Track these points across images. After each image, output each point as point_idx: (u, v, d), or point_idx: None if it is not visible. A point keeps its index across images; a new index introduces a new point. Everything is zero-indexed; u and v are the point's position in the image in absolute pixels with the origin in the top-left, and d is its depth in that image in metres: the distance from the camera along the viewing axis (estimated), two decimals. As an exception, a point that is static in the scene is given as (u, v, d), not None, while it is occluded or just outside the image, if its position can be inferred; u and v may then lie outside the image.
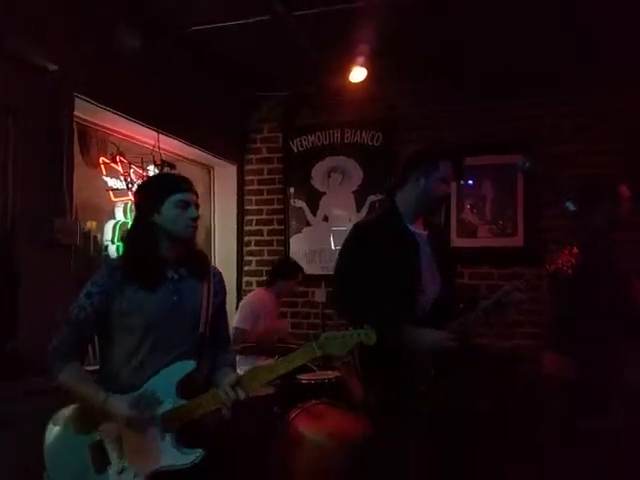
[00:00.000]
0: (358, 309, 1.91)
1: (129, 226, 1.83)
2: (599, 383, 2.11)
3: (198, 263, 1.71)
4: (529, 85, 3.60)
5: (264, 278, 3.99)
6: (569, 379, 2.15)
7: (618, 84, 3.39)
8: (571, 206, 1.74)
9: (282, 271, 3.52)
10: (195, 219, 1.63)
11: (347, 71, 3.57)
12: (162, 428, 1.54)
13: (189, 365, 1.59)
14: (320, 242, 4.16)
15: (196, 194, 1.68)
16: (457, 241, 3.81)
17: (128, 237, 1.73)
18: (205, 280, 1.70)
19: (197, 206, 1.66)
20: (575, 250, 1.86)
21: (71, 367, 1.58)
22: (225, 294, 1.80)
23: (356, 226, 2.07)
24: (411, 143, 3.93)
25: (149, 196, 1.67)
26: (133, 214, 1.84)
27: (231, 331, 3.28)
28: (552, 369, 2.31)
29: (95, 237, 3.10)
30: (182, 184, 1.66)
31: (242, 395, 1.53)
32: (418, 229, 2.05)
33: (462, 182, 3.80)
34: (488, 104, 3.76)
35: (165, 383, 1.57)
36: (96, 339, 1.70)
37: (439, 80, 3.76)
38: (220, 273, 1.81)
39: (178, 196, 1.61)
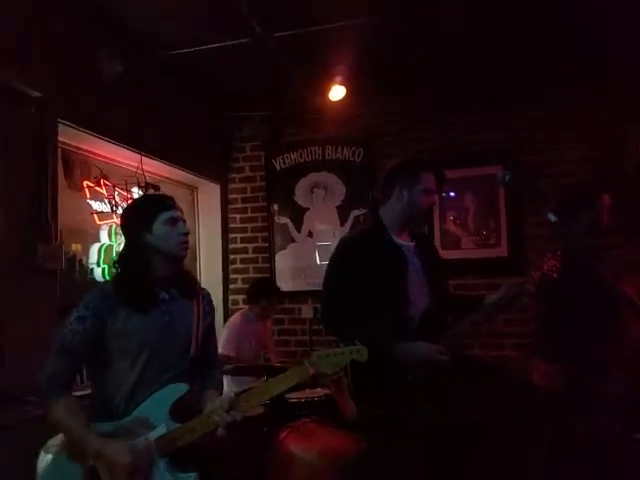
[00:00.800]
0: (347, 325, 1.90)
1: (120, 249, 1.84)
2: (586, 387, 2.15)
3: (187, 283, 1.71)
4: (508, 98, 3.69)
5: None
6: (557, 386, 2.19)
7: (596, 95, 3.48)
8: (552, 217, 1.79)
9: (251, 294, 3.54)
10: (186, 234, 1.65)
11: (326, 89, 3.64)
12: (156, 453, 1.52)
13: (182, 388, 1.58)
14: (305, 258, 4.19)
15: (181, 210, 1.70)
16: (442, 253, 3.80)
17: (120, 259, 1.71)
18: (195, 301, 1.70)
19: (185, 222, 1.69)
20: (559, 254, 1.88)
21: (66, 402, 1.54)
22: (214, 314, 1.80)
23: (341, 241, 2.08)
24: (391, 158, 3.98)
25: (138, 217, 1.68)
26: (122, 237, 1.85)
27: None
28: (540, 378, 2.34)
29: (80, 260, 3.08)
30: (167, 202, 1.69)
31: (238, 417, 1.52)
32: (405, 241, 2.05)
33: (444, 194, 3.86)
34: (467, 117, 3.84)
35: (157, 407, 1.56)
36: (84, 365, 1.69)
37: (418, 96, 3.85)
38: (208, 293, 1.82)
39: (166, 214, 1.63)
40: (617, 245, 3.14)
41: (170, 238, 1.62)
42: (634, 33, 2.98)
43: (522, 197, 3.65)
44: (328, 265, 2.06)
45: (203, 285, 4.28)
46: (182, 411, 1.57)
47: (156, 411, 1.55)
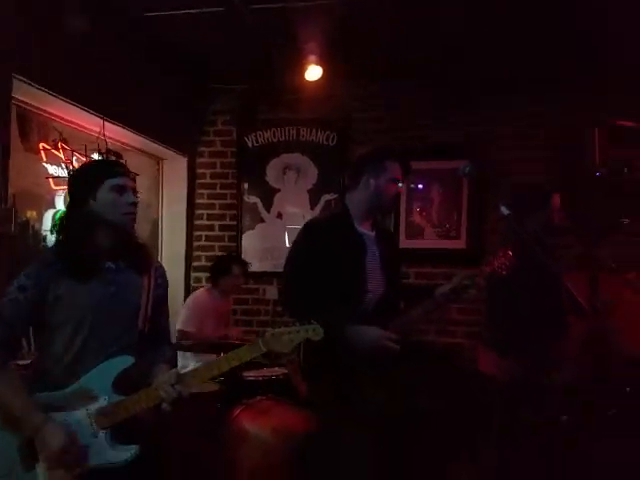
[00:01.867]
0: (304, 306, 1.94)
1: (62, 214, 1.76)
2: (537, 381, 2.23)
3: (138, 255, 1.65)
4: (478, 93, 3.73)
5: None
6: (507, 379, 2.26)
7: (561, 97, 3.56)
8: (505, 210, 1.84)
9: (219, 268, 3.50)
10: (133, 204, 1.58)
11: (303, 69, 3.58)
12: (96, 425, 1.49)
13: (127, 360, 1.55)
14: (273, 239, 4.14)
15: (132, 179, 1.63)
16: (405, 242, 3.91)
17: (61, 225, 1.64)
18: (145, 273, 1.65)
19: (135, 191, 1.61)
20: (510, 253, 1.94)
21: (5, 373, 1.50)
22: (167, 288, 1.75)
23: (306, 225, 2.12)
24: (364, 145, 3.98)
25: (83, 182, 1.61)
26: (66, 202, 1.77)
27: (175, 333, 3.28)
28: (486, 367, 2.42)
29: (34, 226, 2.95)
30: (117, 168, 1.61)
31: (184, 392, 1.50)
32: (366, 230, 2.10)
33: (412, 185, 3.91)
34: (439, 112, 3.87)
35: (101, 379, 1.52)
36: (31, 333, 1.62)
37: (392, 84, 3.84)
38: (162, 266, 1.77)
39: (114, 180, 1.56)
40: (572, 245, 3.25)
41: (115, 207, 1.56)
42: (604, 36, 3.05)
43: (483, 191, 3.72)
44: (290, 247, 2.12)
45: (164, 260, 4.26)
46: (127, 384, 1.53)
47: (99, 383, 1.52)
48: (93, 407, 1.50)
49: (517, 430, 2.17)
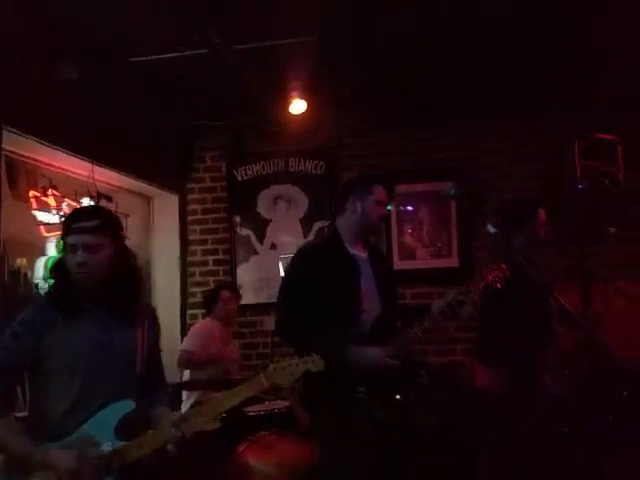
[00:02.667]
0: (301, 333, 1.95)
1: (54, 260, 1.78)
2: (524, 391, 2.22)
3: (128, 301, 1.65)
4: (462, 115, 3.81)
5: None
6: (499, 390, 2.26)
7: (542, 114, 3.66)
8: (492, 228, 1.87)
9: (210, 296, 3.59)
10: (80, 264, 1.54)
11: (287, 103, 3.66)
12: (102, 471, 1.47)
13: (127, 405, 1.54)
14: (268, 270, 4.14)
15: (91, 233, 1.56)
16: (399, 264, 3.94)
17: (51, 271, 1.68)
18: (138, 317, 1.65)
19: (93, 248, 1.55)
20: (503, 266, 1.97)
21: (5, 421, 1.50)
22: (159, 331, 1.76)
23: (298, 251, 2.15)
24: (352, 171, 4.06)
25: (62, 230, 1.64)
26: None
27: (178, 354, 3.27)
28: (482, 381, 2.42)
29: (25, 274, 2.93)
30: (73, 225, 1.58)
31: (188, 432, 1.48)
32: (359, 251, 2.13)
33: (402, 208, 3.97)
34: (423, 134, 3.96)
35: (103, 425, 1.51)
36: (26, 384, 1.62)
37: (377, 111, 3.92)
38: (154, 309, 1.81)
39: (68, 239, 1.58)
40: (555, 255, 3.29)
41: (69, 265, 1.58)
42: (586, 52, 3.15)
43: (471, 210, 3.78)
44: (284, 275, 2.14)
45: (159, 299, 4.23)
46: (128, 429, 1.52)
47: (101, 429, 1.51)
48: (98, 453, 1.48)
49: (512, 440, 2.16)
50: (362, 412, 1.84)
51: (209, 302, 3.57)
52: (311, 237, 4.12)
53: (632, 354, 2.65)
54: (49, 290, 1.66)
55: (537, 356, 2.33)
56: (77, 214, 1.68)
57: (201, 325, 3.59)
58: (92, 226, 1.56)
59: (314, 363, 1.54)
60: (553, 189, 3.51)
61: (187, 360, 3.24)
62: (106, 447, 1.49)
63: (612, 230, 3.10)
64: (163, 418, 1.55)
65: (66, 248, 1.59)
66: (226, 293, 3.53)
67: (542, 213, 2.56)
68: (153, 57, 3.13)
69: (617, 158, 3.13)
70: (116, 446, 1.49)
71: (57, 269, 1.63)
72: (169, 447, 1.50)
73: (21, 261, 2.92)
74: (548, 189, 3.57)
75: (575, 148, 3.15)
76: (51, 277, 1.66)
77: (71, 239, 1.56)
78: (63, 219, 1.82)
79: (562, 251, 2.94)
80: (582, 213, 3.06)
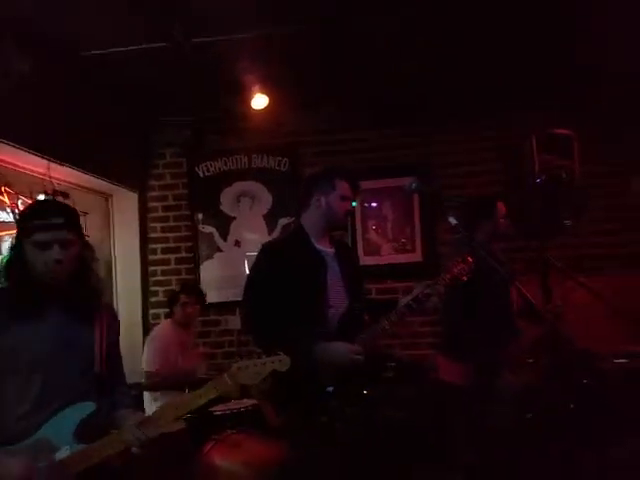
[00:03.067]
0: (268, 331, 1.94)
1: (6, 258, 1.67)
2: (489, 385, 2.30)
3: (88, 298, 1.61)
4: (422, 112, 3.89)
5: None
6: (465, 384, 2.32)
7: (502, 110, 3.77)
8: (453, 220, 1.92)
9: (170, 299, 3.53)
10: (58, 261, 1.50)
11: (249, 98, 3.63)
12: (60, 476, 1.42)
13: (87, 407, 1.50)
14: (233, 268, 4.11)
15: (69, 227, 1.53)
16: (364, 259, 3.99)
17: (5, 266, 1.59)
18: (97, 316, 1.62)
19: (69, 242, 1.52)
20: (469, 259, 2.01)
21: None
22: (118, 330, 1.73)
23: (263, 247, 2.12)
24: (315, 167, 4.06)
25: (18, 229, 1.57)
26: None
27: (143, 374, 3.19)
28: (447, 375, 2.49)
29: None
30: (43, 220, 1.51)
31: (152, 434, 1.46)
32: (325, 247, 2.12)
33: (366, 204, 4.01)
34: (386, 130, 4.01)
35: (61, 428, 1.47)
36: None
37: (341, 107, 3.95)
38: (113, 308, 1.77)
39: (36, 236, 1.50)
40: (520, 249, 3.41)
41: (37, 263, 1.51)
42: (540, 53, 3.27)
43: (433, 205, 3.88)
44: (249, 272, 2.11)
45: (120, 298, 4.12)
46: (89, 431, 1.48)
47: (59, 432, 1.46)
48: (55, 458, 1.44)
49: (481, 432, 2.22)
50: (330, 411, 1.83)
51: (170, 304, 3.51)
52: (276, 234, 4.11)
53: (592, 346, 2.74)
54: (3, 290, 1.56)
55: (501, 350, 2.39)
56: (42, 210, 1.59)
57: (159, 331, 3.47)
58: (63, 222, 1.52)
59: (281, 362, 1.53)
60: (513, 184, 3.62)
61: (152, 380, 3.16)
62: (64, 451, 1.44)
63: (569, 223, 3.22)
64: (126, 420, 1.52)
65: (28, 245, 1.50)
66: (184, 297, 3.46)
67: (501, 207, 2.65)
68: (109, 50, 3.03)
69: (573, 152, 3.20)
70: (75, 449, 1.45)
71: (14, 268, 1.55)
72: (133, 449, 1.47)
73: (-26, 261, 2.79)
74: (508, 184, 3.68)
75: (533, 143, 3.23)
76: (7, 277, 1.57)
77: (41, 236, 1.49)
78: (19, 216, 1.69)
79: (523, 244, 3.05)
80: (540, 207, 3.15)
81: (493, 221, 2.61)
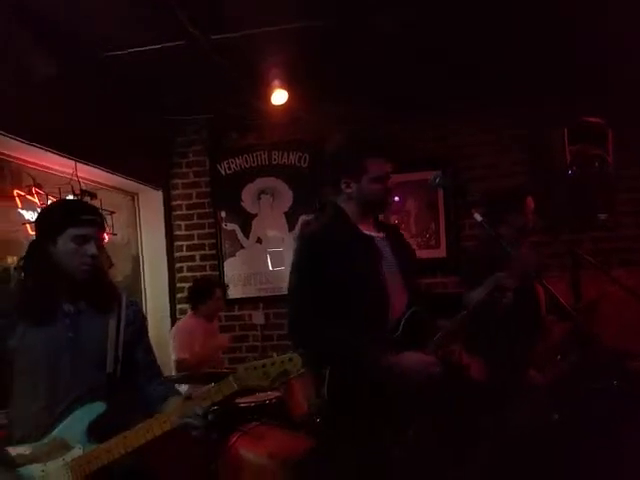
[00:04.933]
0: (319, 335, 1.64)
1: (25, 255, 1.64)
2: (507, 382, 2.18)
3: (101, 296, 1.59)
4: (446, 103, 3.80)
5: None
6: (480, 379, 2.24)
7: (526, 100, 3.65)
8: (478, 217, 1.81)
9: (200, 293, 3.48)
10: (92, 256, 1.51)
11: (269, 94, 3.64)
12: (72, 475, 1.45)
13: (97, 408, 1.50)
14: (255, 264, 4.15)
15: (100, 227, 1.56)
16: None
17: (22, 268, 1.59)
18: (112, 313, 1.59)
19: (100, 241, 1.56)
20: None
21: None
22: (142, 324, 1.69)
23: (302, 236, 1.90)
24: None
25: (47, 225, 1.56)
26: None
27: (173, 365, 3.25)
28: (477, 376, 2.39)
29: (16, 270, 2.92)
30: (82, 216, 1.53)
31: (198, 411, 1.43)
32: (371, 232, 1.76)
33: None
34: (409, 125, 3.95)
35: (74, 428, 1.48)
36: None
37: (360, 101, 3.91)
38: (136, 303, 1.71)
39: (76, 230, 1.50)
40: (543, 243, 3.30)
41: (73, 257, 1.51)
42: (572, 38, 3.14)
43: (458, 199, 3.81)
44: (292, 265, 1.76)
45: (148, 295, 4.21)
46: (101, 431, 1.48)
47: (73, 431, 1.48)
48: (69, 457, 1.46)
49: (504, 433, 2.16)
50: (405, 442, 1.58)
51: (198, 298, 3.46)
52: (297, 231, 4.12)
53: (625, 344, 2.62)
54: (18, 289, 1.55)
55: (527, 348, 2.29)
56: (79, 206, 1.64)
57: (182, 324, 3.46)
58: (98, 220, 1.57)
59: (291, 362, 1.41)
60: (540, 176, 3.45)
61: (186, 368, 3.17)
62: (77, 450, 1.46)
63: (603, 216, 3.07)
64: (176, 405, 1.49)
65: (62, 240, 1.50)
66: (219, 292, 3.48)
67: (530, 201, 2.48)
68: (132, 50, 3.09)
69: (607, 141, 3.03)
70: (87, 449, 1.46)
71: (36, 265, 1.53)
72: (193, 423, 1.43)
73: (11, 259, 2.91)
74: (535, 176, 3.53)
75: (564, 133, 3.06)
76: (28, 275, 1.55)
77: (81, 230, 1.51)
78: (46, 213, 1.66)
79: (552, 239, 2.91)
80: (571, 199, 3.01)
81: (521, 215, 2.43)
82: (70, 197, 3.11)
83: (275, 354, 1.45)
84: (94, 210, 1.61)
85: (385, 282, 1.67)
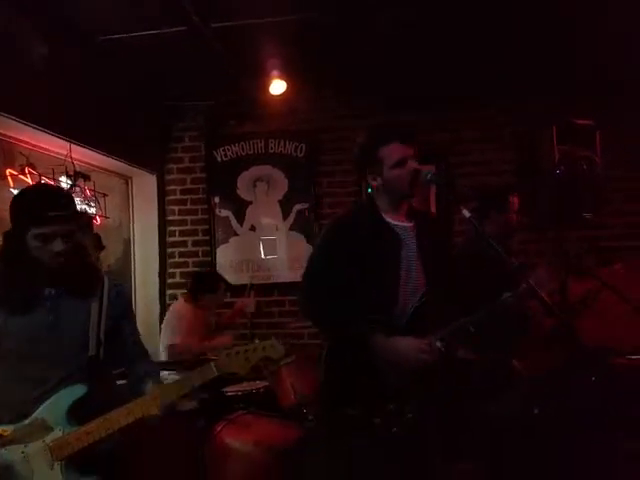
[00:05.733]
0: (326, 310, 1.72)
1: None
2: (496, 367, 2.24)
3: (83, 279, 1.57)
4: (442, 101, 3.83)
5: (190, 290, 3.92)
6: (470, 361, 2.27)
7: (516, 99, 3.70)
8: (467, 213, 1.83)
9: (204, 285, 3.43)
10: (58, 253, 1.48)
11: (267, 83, 3.63)
12: (51, 457, 1.46)
13: (78, 390, 1.51)
14: (248, 252, 4.16)
15: (68, 220, 1.49)
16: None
17: (3, 253, 1.55)
18: (93, 296, 1.58)
19: (70, 234, 1.49)
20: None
21: None
22: (125, 306, 1.69)
23: (331, 221, 1.93)
24: (333, 154, 4.08)
25: (13, 219, 1.52)
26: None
27: (163, 351, 3.25)
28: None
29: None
30: (43, 214, 1.45)
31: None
32: (401, 221, 1.80)
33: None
34: (402, 120, 3.96)
35: (55, 409, 1.50)
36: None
37: (358, 94, 3.92)
38: (120, 285, 1.68)
39: (37, 229, 1.46)
40: (530, 241, 3.34)
41: (41, 253, 1.49)
42: (562, 39, 3.17)
43: (448, 196, 3.83)
44: (315, 246, 1.89)
45: (138, 278, 4.20)
46: (81, 413, 1.49)
47: (54, 413, 1.50)
48: (49, 438, 1.48)
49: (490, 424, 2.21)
50: (386, 413, 1.60)
51: (201, 290, 3.37)
52: (291, 219, 4.13)
53: (610, 342, 2.66)
54: (1, 279, 1.52)
55: (512, 343, 2.34)
56: (47, 200, 1.50)
57: (179, 312, 3.37)
58: (69, 214, 1.50)
59: (272, 348, 1.44)
60: (527, 174, 3.52)
61: (177, 355, 3.14)
62: (57, 431, 1.47)
63: (589, 216, 3.12)
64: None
65: (28, 236, 1.47)
66: (223, 285, 3.44)
67: (515, 200, 2.57)
68: (130, 35, 3.05)
69: (595, 143, 3.08)
70: (67, 430, 1.47)
71: (11, 256, 1.51)
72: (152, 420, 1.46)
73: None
74: (522, 174, 3.59)
75: (553, 133, 3.11)
76: (5, 265, 1.53)
77: (44, 229, 1.46)
78: (15, 204, 1.54)
79: (539, 237, 2.96)
80: (557, 198, 3.06)
81: (505, 214, 2.52)
82: (63, 179, 3.09)
83: (257, 340, 1.47)
84: (60, 204, 1.50)
85: (399, 270, 1.72)
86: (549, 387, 2.43)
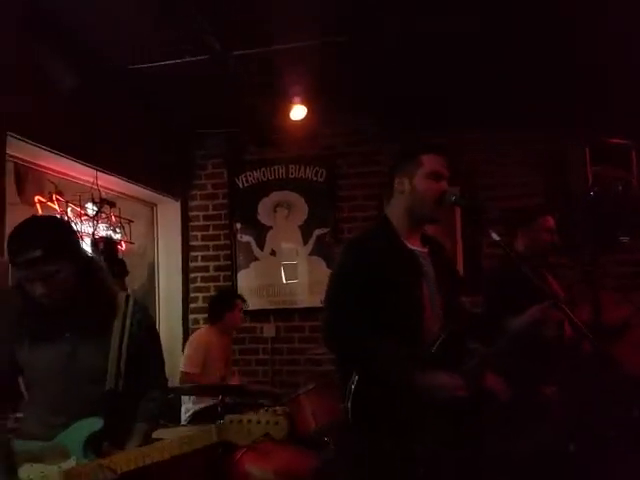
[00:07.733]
0: (354, 343, 1.63)
1: None
2: (523, 399, 2.17)
3: (103, 309, 1.57)
4: (465, 122, 3.78)
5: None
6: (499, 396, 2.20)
7: (543, 120, 3.59)
8: (495, 236, 1.78)
9: (221, 303, 3.44)
10: (42, 295, 1.45)
11: (288, 109, 3.69)
12: None
13: (95, 423, 1.51)
14: (269, 276, 4.17)
15: (42, 262, 1.41)
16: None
17: (16, 289, 1.56)
18: (113, 327, 1.57)
19: (48, 276, 1.43)
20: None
21: None
22: (148, 332, 1.66)
23: (346, 244, 1.87)
24: (353, 178, 4.10)
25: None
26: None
27: (179, 374, 3.25)
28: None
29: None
30: (17, 258, 1.43)
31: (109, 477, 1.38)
32: (416, 246, 1.74)
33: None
34: (426, 140, 3.95)
35: (74, 438, 1.51)
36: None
37: (378, 118, 3.95)
38: (140, 310, 1.64)
39: (17, 272, 1.48)
40: (563, 265, 3.25)
41: (30, 292, 1.48)
42: (590, 55, 3.12)
43: (475, 218, 3.77)
44: (332, 273, 1.77)
45: (162, 303, 4.25)
46: (96, 446, 1.50)
47: (73, 441, 1.51)
48: (65, 465, 1.48)
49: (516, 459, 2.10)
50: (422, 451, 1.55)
51: (219, 309, 3.39)
52: (311, 244, 4.14)
53: None
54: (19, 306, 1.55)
55: (543, 368, 2.25)
56: (16, 244, 1.45)
57: (201, 337, 3.40)
58: (40, 256, 1.41)
59: (277, 427, 1.35)
60: (558, 196, 3.43)
61: (191, 382, 3.16)
62: (72, 460, 1.48)
63: (625, 239, 3.01)
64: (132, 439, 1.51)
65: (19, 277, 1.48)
66: (240, 303, 3.44)
67: (548, 220, 2.49)
68: (154, 64, 3.16)
69: (631, 163, 2.98)
70: (80, 461, 1.47)
71: (19, 294, 1.52)
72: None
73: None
74: (552, 196, 3.51)
75: (585, 152, 2.99)
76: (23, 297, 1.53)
77: (21, 272, 1.44)
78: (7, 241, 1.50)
79: (572, 261, 2.87)
80: (593, 221, 2.96)
81: (532, 232, 2.45)
82: (89, 205, 3.15)
83: (265, 410, 1.41)
84: (34, 243, 1.42)
85: (423, 300, 1.67)
86: (586, 418, 2.31)
